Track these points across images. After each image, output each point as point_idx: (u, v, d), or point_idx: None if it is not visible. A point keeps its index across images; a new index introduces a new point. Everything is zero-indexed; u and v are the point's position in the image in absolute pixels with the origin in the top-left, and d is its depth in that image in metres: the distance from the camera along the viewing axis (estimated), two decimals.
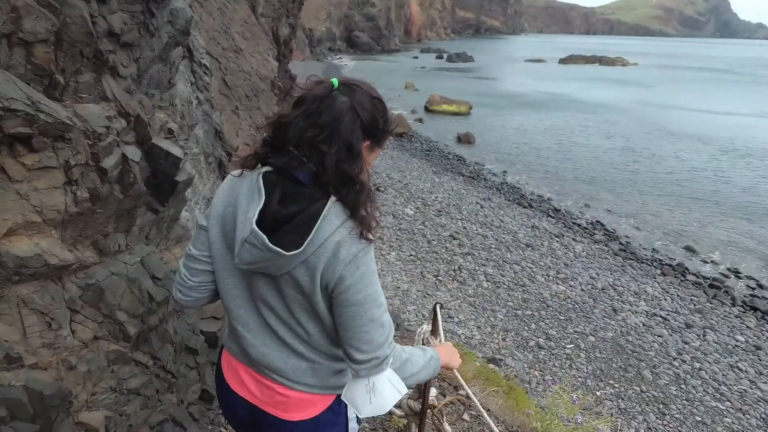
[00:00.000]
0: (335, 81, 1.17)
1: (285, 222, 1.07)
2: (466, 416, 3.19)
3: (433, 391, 2.02)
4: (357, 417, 1.35)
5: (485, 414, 2.48)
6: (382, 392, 1.18)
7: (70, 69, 1.61)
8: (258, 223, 1.07)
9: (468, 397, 3.32)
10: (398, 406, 2.22)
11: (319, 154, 1.08)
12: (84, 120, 1.63)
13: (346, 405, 1.30)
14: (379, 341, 1.16)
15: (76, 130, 1.57)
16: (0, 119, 1.38)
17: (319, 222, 1.07)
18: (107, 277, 1.80)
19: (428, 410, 2.00)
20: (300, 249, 1.05)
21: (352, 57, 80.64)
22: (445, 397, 3.51)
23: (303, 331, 1.20)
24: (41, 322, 1.55)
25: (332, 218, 1.09)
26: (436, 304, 1.99)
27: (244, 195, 1.14)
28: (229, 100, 15.17)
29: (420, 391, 2.07)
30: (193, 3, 13.22)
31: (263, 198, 1.10)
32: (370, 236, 1.14)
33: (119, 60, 1.81)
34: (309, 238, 1.05)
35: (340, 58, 77.49)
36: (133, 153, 1.84)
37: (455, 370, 1.77)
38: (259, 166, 1.20)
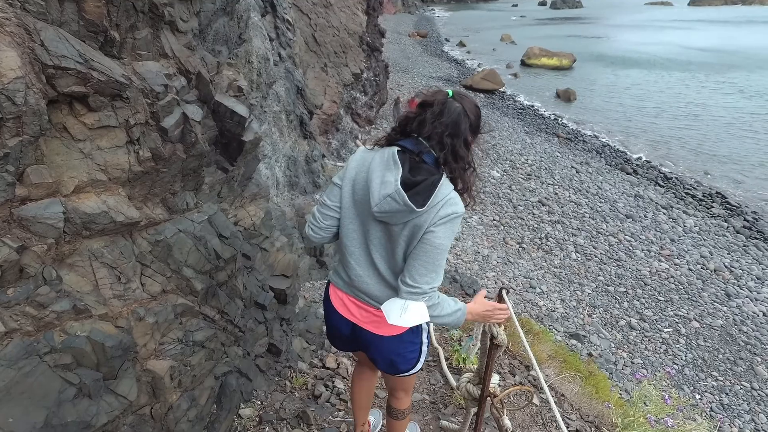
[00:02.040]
0: (450, 91, 1.64)
1: (413, 186, 1.48)
2: (536, 400, 2.98)
3: (495, 378, 1.86)
4: (428, 341, 1.81)
5: (554, 405, 2.25)
6: (410, 314, 1.54)
7: (125, 24, 1.59)
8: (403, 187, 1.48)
9: (536, 387, 3.09)
10: (457, 387, 2.10)
11: (444, 144, 1.54)
12: (142, 78, 1.63)
13: (421, 330, 1.77)
14: (428, 280, 1.52)
15: (134, 88, 1.58)
16: (53, 77, 1.40)
17: (438, 188, 1.50)
18: (175, 234, 1.87)
19: (488, 398, 1.85)
20: (425, 207, 1.48)
21: (446, 8, 76.58)
22: (514, 376, 3.31)
23: (393, 266, 1.62)
24: (111, 275, 1.66)
25: (444, 187, 1.53)
26: (501, 289, 1.77)
27: (378, 164, 1.55)
28: (318, 57, 15.32)
29: (480, 376, 1.91)
30: None
31: (400, 169, 1.50)
32: (465, 205, 1.59)
33: (177, 14, 1.76)
34: (430, 199, 1.48)
35: (432, 9, 74.04)
36: (195, 112, 1.82)
37: (529, 351, 1.92)
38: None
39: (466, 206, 1.59)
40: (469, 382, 1.98)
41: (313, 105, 5.59)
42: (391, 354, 1.75)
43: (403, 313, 1.54)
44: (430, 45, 42.07)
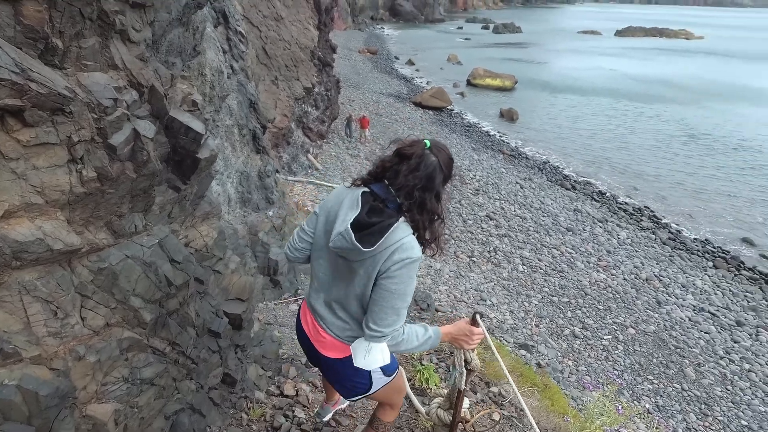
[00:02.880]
0: (428, 142, 1.63)
1: (367, 227, 1.54)
2: (495, 416, 3.00)
3: (466, 402, 1.84)
4: (383, 368, 1.81)
5: (535, 424, 2.24)
6: (372, 356, 1.69)
7: (69, 32, 1.43)
8: (351, 225, 1.56)
9: (497, 403, 3.12)
10: (427, 413, 2.05)
11: (413, 196, 1.57)
12: (88, 91, 1.46)
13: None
14: (389, 323, 1.59)
15: (78, 102, 1.41)
16: None
17: (390, 232, 1.54)
18: (121, 260, 1.69)
19: (459, 423, 1.82)
20: (372, 248, 1.53)
21: (395, 27, 78.60)
22: (475, 394, 3.32)
23: (347, 302, 1.71)
24: (46, 310, 1.46)
25: (399, 231, 1.56)
26: (475, 313, 1.77)
27: (347, 203, 1.65)
28: (268, 70, 15.07)
29: (451, 401, 1.88)
30: None
31: (359, 209, 1.59)
32: (432, 254, 1.68)
33: (130, 23, 1.61)
34: (380, 241, 1.52)
35: (382, 28, 75.66)
36: (147, 128, 1.66)
37: (511, 381, 2.00)
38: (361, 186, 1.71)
39: (432, 255, 1.71)
40: (439, 407, 1.94)
41: (265, 119, 5.45)
42: (336, 377, 1.85)
43: (366, 355, 1.69)
44: (380, 62, 42.82)
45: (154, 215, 1.86)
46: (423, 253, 1.61)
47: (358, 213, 1.57)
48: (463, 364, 1.80)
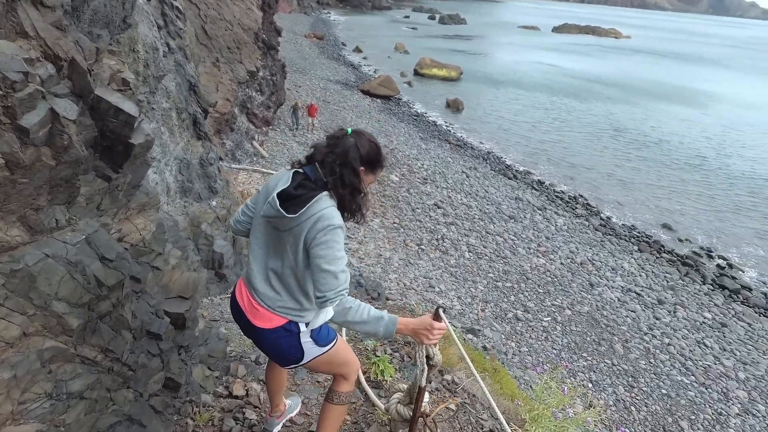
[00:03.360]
0: (349, 130, 1.86)
1: (293, 198, 1.74)
2: (452, 406, 3.04)
3: (426, 397, 1.82)
4: (312, 336, 1.92)
5: (503, 419, 2.27)
6: (318, 318, 1.83)
7: None
8: (279, 196, 1.76)
9: (451, 391, 3.17)
10: (386, 409, 2.02)
11: (334, 171, 1.77)
12: None
13: (297, 325, 1.89)
14: (329, 286, 1.68)
15: None
16: None
17: (312, 202, 1.72)
18: (40, 260, 1.46)
19: (420, 418, 1.80)
20: (295, 215, 1.71)
21: (341, 12, 77.22)
22: (430, 383, 3.34)
23: (282, 271, 1.84)
24: None
25: (321, 202, 1.74)
26: (438, 308, 1.74)
27: (282, 181, 1.83)
28: (209, 51, 14.21)
29: (411, 396, 1.86)
30: None
31: (288, 184, 1.79)
32: (352, 221, 1.87)
33: None
34: (303, 209, 1.71)
35: (328, 13, 74.02)
36: (67, 108, 1.43)
37: (474, 371, 2.22)
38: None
39: (357, 222, 1.90)
40: (399, 402, 1.91)
41: (207, 103, 5.10)
42: (269, 347, 1.97)
43: (315, 321, 1.85)
44: (327, 48, 41.97)
45: (79, 208, 1.63)
46: (346, 221, 1.81)
47: (286, 186, 1.78)
48: (425, 360, 1.76)
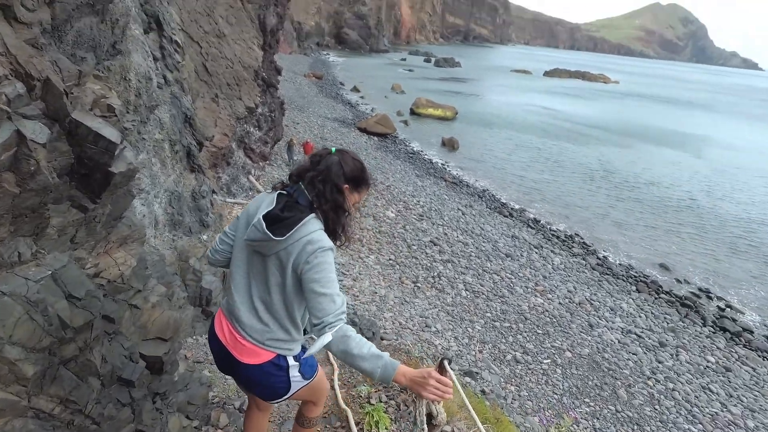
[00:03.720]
0: (333, 149, 1.84)
1: (280, 221, 1.66)
2: None
3: None
4: (300, 370, 1.85)
5: None
6: (315, 345, 1.59)
7: None
8: (265, 219, 1.67)
9: None
10: None
11: (315, 188, 1.72)
12: None
13: (286, 359, 1.81)
14: (326, 310, 1.57)
15: None
16: None
17: (300, 224, 1.65)
18: None
19: None
20: (283, 238, 1.63)
21: (340, 54, 79.98)
22: None
23: (269, 299, 1.74)
24: None
25: (309, 225, 1.67)
26: (442, 359, 1.58)
27: (265, 203, 1.77)
28: (209, 87, 14.45)
29: None
30: None
31: (273, 206, 1.72)
32: (336, 244, 1.76)
33: None
34: (290, 232, 1.63)
35: (327, 54, 76.62)
36: (37, 131, 1.32)
37: (479, 424, 1.93)
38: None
39: (340, 245, 1.82)
40: None
41: (202, 136, 5.06)
42: (254, 383, 1.86)
43: (312, 349, 1.64)
44: (325, 87, 43.08)
45: (49, 240, 1.49)
46: (333, 243, 1.73)
47: (272, 208, 1.71)
48: (424, 419, 1.57)
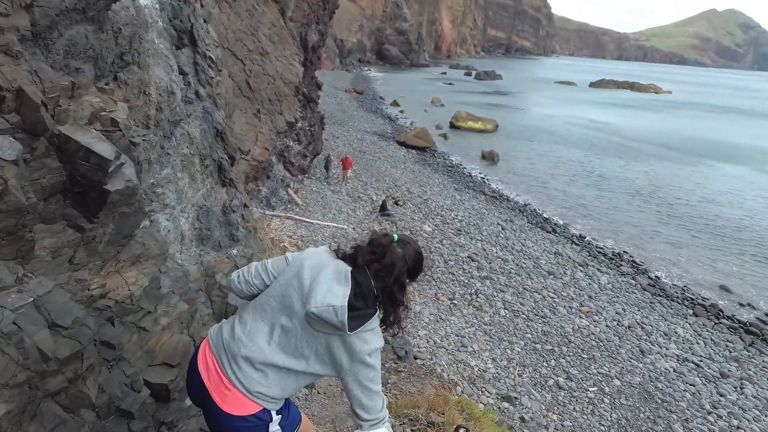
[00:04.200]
0: (396, 236, 1.79)
1: (353, 310, 1.62)
2: None
3: None
4: (281, 424, 1.74)
5: None
6: None
7: None
8: (348, 307, 1.64)
9: None
10: None
11: (380, 281, 1.71)
12: None
13: (270, 414, 1.70)
14: (380, 407, 1.65)
15: None
16: None
17: (369, 321, 1.66)
18: None
19: None
20: (354, 331, 1.61)
21: (381, 69, 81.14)
22: None
23: (287, 361, 1.66)
24: None
25: (373, 322, 1.68)
26: (459, 427, 1.45)
27: (330, 272, 1.70)
28: (251, 103, 14.90)
29: None
30: (221, 2, 13.03)
31: (350, 288, 1.65)
32: (394, 334, 1.81)
33: None
34: (360, 327, 1.62)
35: (369, 69, 77.97)
36: (5, 147, 1.25)
37: None
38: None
39: (394, 335, 1.86)
40: None
41: (236, 150, 5.10)
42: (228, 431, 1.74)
43: None
44: (365, 102, 43.68)
45: (41, 263, 1.42)
46: (385, 333, 1.75)
47: (347, 295, 1.63)
48: None
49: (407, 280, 1.75)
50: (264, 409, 1.65)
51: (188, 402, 2.38)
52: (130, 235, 1.86)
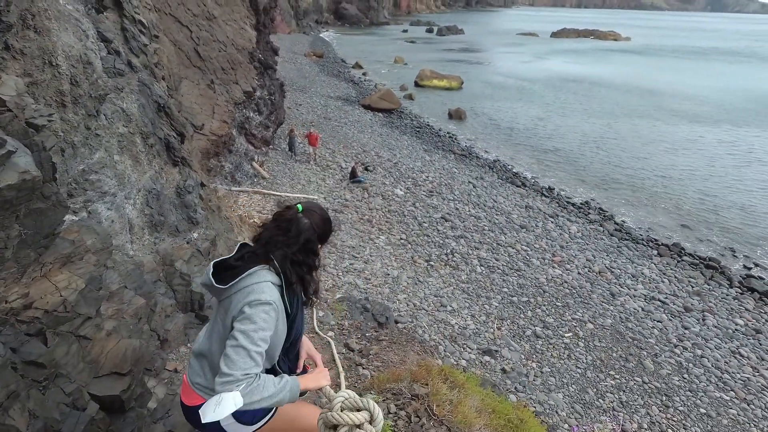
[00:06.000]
0: (300, 206, 1.84)
1: (228, 269, 1.75)
2: None
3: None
4: (235, 415, 1.73)
5: None
6: (224, 405, 1.51)
7: None
8: (215, 265, 1.76)
9: None
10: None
11: (285, 254, 1.76)
12: None
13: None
14: (242, 366, 1.54)
15: None
16: None
17: (245, 274, 1.70)
18: None
19: None
20: (225, 286, 1.70)
21: (340, 30, 78.08)
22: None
23: (209, 347, 1.77)
24: None
25: (256, 276, 1.70)
26: None
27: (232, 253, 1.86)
28: (203, 73, 13.98)
29: None
30: None
31: (230, 255, 1.82)
32: (310, 303, 1.90)
33: None
34: (234, 281, 1.69)
35: (327, 30, 74.88)
36: None
37: None
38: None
39: (310, 305, 1.86)
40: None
41: (184, 125, 4.68)
42: (191, 423, 1.81)
43: (216, 407, 1.50)
44: (327, 65, 42.12)
45: None
46: (305, 303, 1.80)
47: (228, 256, 1.78)
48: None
49: (318, 246, 1.82)
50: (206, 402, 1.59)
51: (151, 405, 2.19)
52: (52, 233, 1.59)
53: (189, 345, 3.83)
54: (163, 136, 3.80)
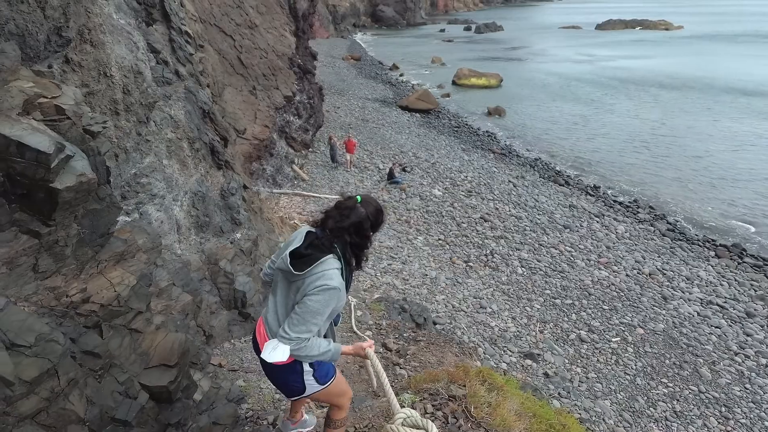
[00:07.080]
0: (359, 197, 2.25)
1: (302, 257, 2.12)
2: None
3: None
4: (315, 375, 2.28)
5: None
6: (276, 353, 2.07)
7: None
8: (292, 254, 2.15)
9: None
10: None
11: (345, 239, 2.17)
12: None
13: (301, 365, 2.22)
14: (298, 331, 2.05)
15: None
16: None
17: (319, 263, 2.08)
18: None
19: None
20: (301, 273, 2.08)
21: (378, 32, 78.57)
22: None
23: (285, 313, 2.18)
24: None
25: (325, 264, 2.09)
26: None
27: (297, 236, 2.25)
28: (246, 80, 14.49)
29: None
30: None
31: (300, 243, 2.19)
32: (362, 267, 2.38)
33: None
34: (308, 269, 2.07)
35: (364, 33, 75.55)
36: None
37: None
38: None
39: (360, 266, 2.27)
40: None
41: (227, 130, 4.88)
42: (274, 380, 2.31)
43: (271, 352, 2.05)
44: (364, 68, 42.48)
45: None
46: (354, 269, 2.21)
47: (299, 245, 2.13)
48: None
49: (371, 233, 2.20)
50: (295, 361, 2.11)
51: (197, 397, 2.29)
52: (107, 233, 1.71)
53: (232, 341, 3.98)
54: (208, 140, 3.97)
